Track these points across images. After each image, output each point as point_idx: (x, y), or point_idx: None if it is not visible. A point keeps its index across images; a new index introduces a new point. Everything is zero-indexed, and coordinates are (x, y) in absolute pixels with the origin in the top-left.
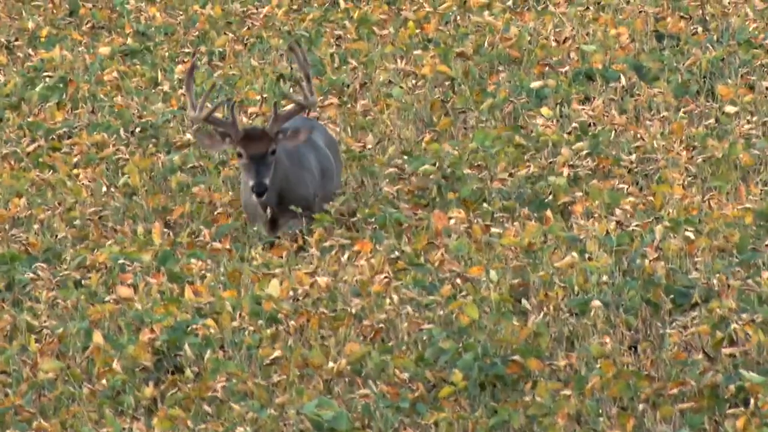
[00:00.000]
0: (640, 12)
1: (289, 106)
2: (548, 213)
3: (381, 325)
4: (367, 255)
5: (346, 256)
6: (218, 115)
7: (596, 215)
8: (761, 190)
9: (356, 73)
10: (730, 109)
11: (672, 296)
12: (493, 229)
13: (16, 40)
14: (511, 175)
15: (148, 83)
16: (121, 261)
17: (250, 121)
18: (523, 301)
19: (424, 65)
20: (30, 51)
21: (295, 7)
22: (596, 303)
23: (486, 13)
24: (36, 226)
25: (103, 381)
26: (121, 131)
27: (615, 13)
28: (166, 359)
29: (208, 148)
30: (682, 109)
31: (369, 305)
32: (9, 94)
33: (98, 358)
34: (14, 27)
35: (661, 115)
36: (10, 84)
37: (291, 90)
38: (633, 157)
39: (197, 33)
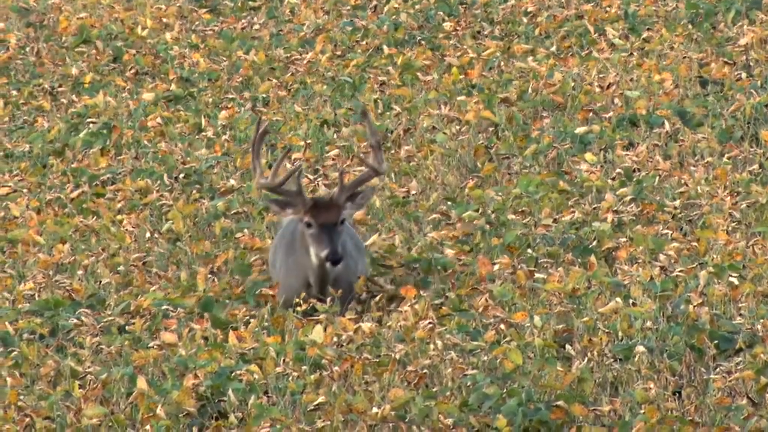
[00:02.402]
0: (684, 58)
1: (359, 174)
2: (592, 259)
3: (425, 370)
4: (411, 301)
5: (390, 301)
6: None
7: (640, 261)
8: None
9: (400, 119)
10: None
11: (716, 342)
12: (537, 275)
13: (60, 86)
14: (555, 220)
15: (191, 129)
16: (164, 307)
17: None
18: (567, 346)
19: (467, 111)
20: (74, 97)
21: (338, 53)
22: (640, 348)
23: (530, 58)
24: (80, 272)
25: (147, 427)
26: (165, 177)
27: (659, 59)
28: (210, 405)
29: (277, 214)
30: (726, 155)
31: (413, 351)
32: (53, 140)
33: (142, 403)
34: (58, 73)
35: (705, 161)
36: (54, 130)
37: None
38: (677, 202)
39: (241, 79)
